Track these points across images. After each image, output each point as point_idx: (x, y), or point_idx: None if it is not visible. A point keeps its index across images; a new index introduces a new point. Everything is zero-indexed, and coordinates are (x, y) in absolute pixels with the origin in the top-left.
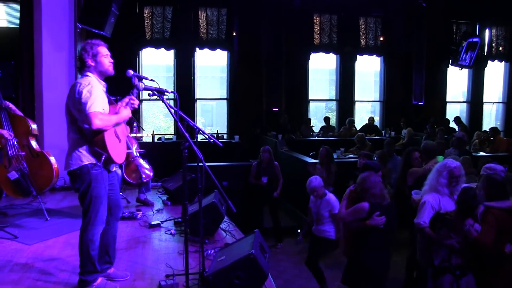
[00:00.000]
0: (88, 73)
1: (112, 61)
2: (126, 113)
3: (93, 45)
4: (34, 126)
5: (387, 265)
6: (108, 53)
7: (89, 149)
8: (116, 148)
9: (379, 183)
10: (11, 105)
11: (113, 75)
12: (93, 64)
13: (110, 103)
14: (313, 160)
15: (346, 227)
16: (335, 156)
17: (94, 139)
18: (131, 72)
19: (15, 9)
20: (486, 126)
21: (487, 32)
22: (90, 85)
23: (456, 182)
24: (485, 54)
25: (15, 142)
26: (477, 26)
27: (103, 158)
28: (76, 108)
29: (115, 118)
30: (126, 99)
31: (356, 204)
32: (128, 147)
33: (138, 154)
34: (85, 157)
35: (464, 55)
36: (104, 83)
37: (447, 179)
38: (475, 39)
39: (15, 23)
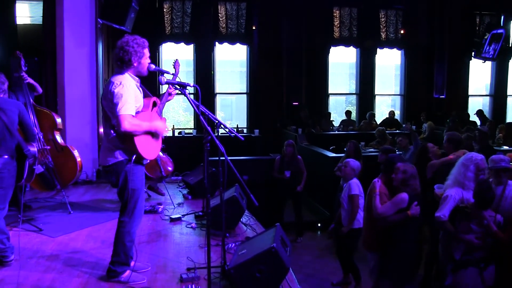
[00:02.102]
0: (126, 72)
1: (149, 61)
2: (160, 125)
3: (140, 46)
4: (59, 120)
5: (421, 255)
6: (149, 54)
7: (121, 147)
8: (148, 145)
9: (417, 174)
10: (29, 78)
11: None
12: (135, 64)
13: (145, 95)
14: (334, 154)
15: (380, 221)
16: None
17: (124, 139)
18: (152, 66)
19: (39, 6)
20: (509, 120)
21: None
22: (121, 84)
23: (483, 175)
24: (510, 46)
25: (41, 136)
26: (502, 17)
27: (133, 158)
28: (109, 107)
29: (146, 126)
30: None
31: (394, 197)
32: None
33: None
34: (119, 154)
35: (488, 47)
36: (137, 78)
37: (474, 172)
38: (499, 31)
39: (39, 20)
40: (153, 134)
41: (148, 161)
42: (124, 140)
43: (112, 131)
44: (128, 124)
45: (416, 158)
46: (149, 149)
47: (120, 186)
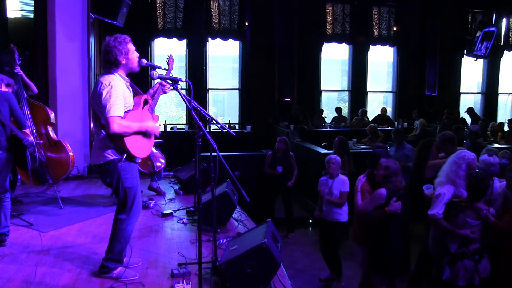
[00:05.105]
0: (115, 72)
1: (138, 55)
2: (151, 125)
3: (123, 43)
4: (52, 115)
5: (408, 249)
6: (134, 47)
7: (112, 146)
8: (139, 144)
9: (400, 170)
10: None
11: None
12: (124, 62)
13: (136, 94)
14: (326, 151)
15: (363, 216)
16: None
17: (115, 139)
18: (144, 61)
19: (30, 0)
20: (501, 118)
21: (504, 21)
22: (110, 85)
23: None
24: (502, 44)
25: (34, 130)
26: (494, 15)
27: (124, 156)
28: (97, 107)
29: (136, 126)
30: (153, 90)
31: (373, 192)
32: None
33: None
34: (110, 153)
35: (480, 45)
36: (127, 78)
37: (466, 171)
38: (491, 29)
39: (30, 13)
40: (145, 133)
41: (141, 159)
42: (115, 140)
43: (102, 131)
44: (117, 126)
45: (418, 155)
46: (141, 148)
47: (115, 186)
